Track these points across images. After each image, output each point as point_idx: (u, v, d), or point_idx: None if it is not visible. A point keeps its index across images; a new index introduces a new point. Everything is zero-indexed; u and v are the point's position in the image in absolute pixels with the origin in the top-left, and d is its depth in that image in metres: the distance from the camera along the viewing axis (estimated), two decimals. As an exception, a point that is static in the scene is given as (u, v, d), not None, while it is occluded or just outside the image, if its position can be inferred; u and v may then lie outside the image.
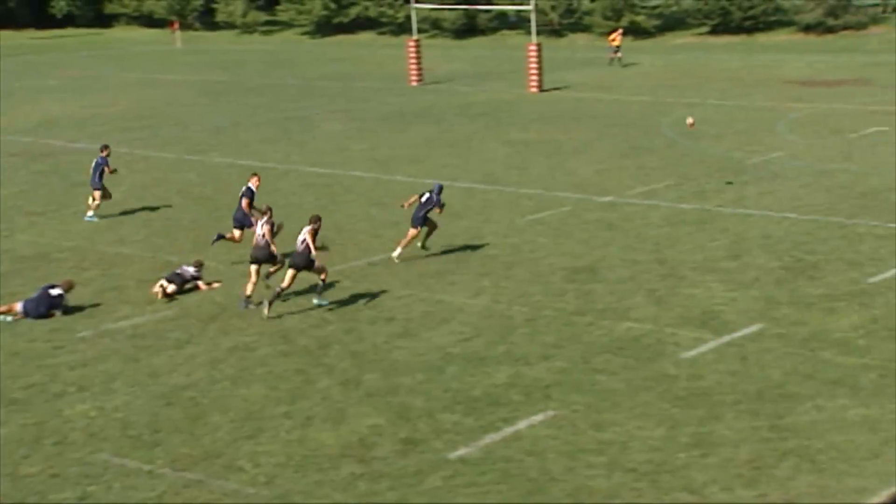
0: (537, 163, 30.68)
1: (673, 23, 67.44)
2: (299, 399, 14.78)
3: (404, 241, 21.11)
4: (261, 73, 58.11)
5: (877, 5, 63.01)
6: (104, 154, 25.60)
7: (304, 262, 17.98)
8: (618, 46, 54.29)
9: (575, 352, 16.18)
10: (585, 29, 69.11)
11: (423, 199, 21.02)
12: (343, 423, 13.93)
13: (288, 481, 12.48)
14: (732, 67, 52.39)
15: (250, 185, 21.58)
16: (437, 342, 16.81)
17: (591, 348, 16.30)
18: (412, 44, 51.59)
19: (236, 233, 21.53)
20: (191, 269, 19.90)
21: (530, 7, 49.02)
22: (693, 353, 15.96)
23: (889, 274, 19.32)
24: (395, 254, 21.05)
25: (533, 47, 46.94)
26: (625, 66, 53.36)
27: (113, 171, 25.65)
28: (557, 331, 17.12)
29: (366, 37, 76.46)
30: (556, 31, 68.99)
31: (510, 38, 69.66)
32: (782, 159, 29.61)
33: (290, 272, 18.02)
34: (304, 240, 17.99)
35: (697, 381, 14.91)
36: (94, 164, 25.50)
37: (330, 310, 18.41)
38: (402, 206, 22.03)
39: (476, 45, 69.07)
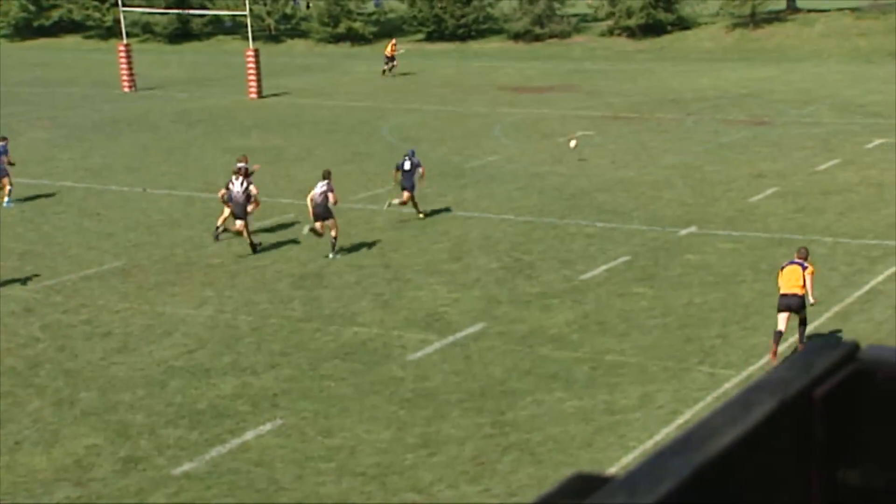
0: (259, 170, 30.25)
1: (390, 29, 68.41)
2: (6, 423, 13.86)
3: (401, 201, 23.59)
4: (-46, 77, 54.24)
5: (577, 15, 66.41)
6: (2, 143, 26.51)
7: (325, 212, 20.65)
8: (392, 56, 53.36)
9: (302, 359, 16.05)
10: (304, 35, 68.97)
11: (406, 167, 23.43)
12: (56, 445, 13.18)
13: (-3, 513, 11.66)
14: (449, 74, 53.78)
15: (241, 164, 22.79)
16: (159, 356, 16.23)
17: (318, 354, 16.23)
18: (122, 48, 49.73)
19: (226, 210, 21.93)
20: None
21: (245, 12, 48.40)
22: (419, 354, 16.21)
23: (598, 271, 20.37)
24: (395, 201, 23.67)
25: (251, 53, 46.37)
26: (401, 74, 52.90)
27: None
28: (284, 338, 16.94)
29: (71, 40, 72.99)
30: (274, 37, 68.52)
31: (227, 43, 68.53)
32: (498, 163, 30.65)
33: (318, 224, 20.73)
34: (323, 192, 20.65)
35: (423, 381, 15.15)
36: None
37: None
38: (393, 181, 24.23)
39: (191, 51, 67.49)
